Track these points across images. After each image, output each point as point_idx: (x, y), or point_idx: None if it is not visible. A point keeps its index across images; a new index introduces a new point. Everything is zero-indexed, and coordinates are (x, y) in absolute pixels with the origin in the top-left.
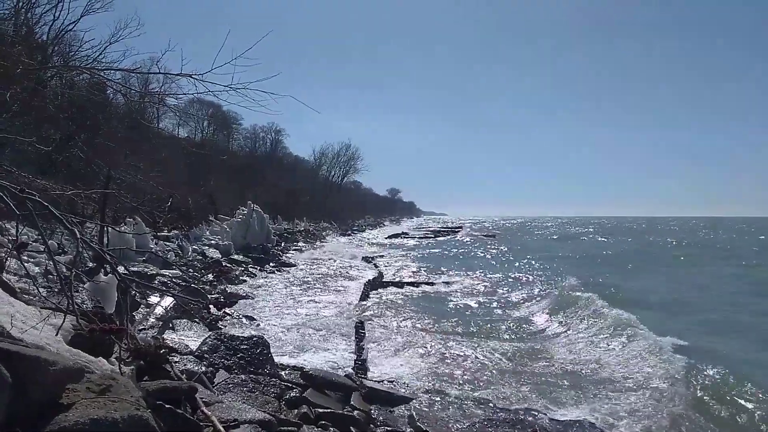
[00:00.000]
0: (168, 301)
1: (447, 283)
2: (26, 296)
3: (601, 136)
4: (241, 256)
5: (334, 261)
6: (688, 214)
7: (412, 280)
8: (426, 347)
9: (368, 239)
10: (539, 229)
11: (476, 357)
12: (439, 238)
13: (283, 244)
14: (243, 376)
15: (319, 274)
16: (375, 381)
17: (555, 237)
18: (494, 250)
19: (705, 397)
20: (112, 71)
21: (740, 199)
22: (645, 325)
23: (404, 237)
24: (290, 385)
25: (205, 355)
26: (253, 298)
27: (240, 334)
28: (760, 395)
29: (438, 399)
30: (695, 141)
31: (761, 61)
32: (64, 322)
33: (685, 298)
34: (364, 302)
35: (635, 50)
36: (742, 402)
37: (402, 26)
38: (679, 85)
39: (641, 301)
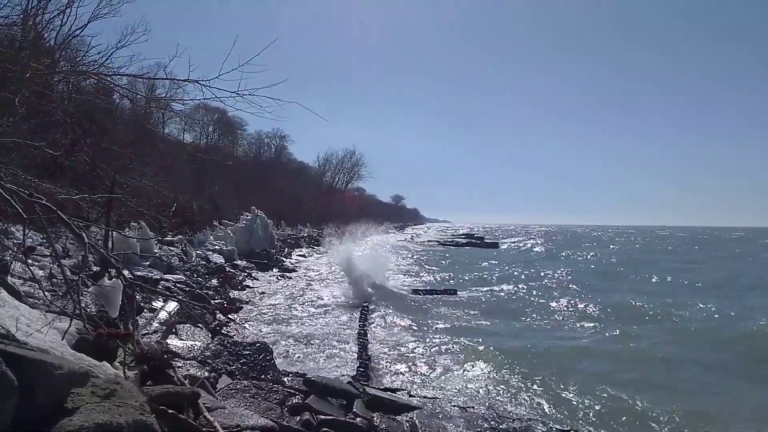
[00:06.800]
0: (172, 305)
1: (452, 291)
2: (31, 300)
3: (606, 144)
4: (245, 262)
5: (338, 267)
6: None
7: (415, 287)
8: (429, 355)
9: (372, 246)
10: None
11: (481, 365)
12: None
13: (286, 250)
14: (246, 382)
15: (322, 280)
16: (378, 388)
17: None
18: None
19: None
20: (118, 76)
21: None
22: None
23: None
24: (293, 391)
25: (208, 361)
26: (256, 304)
27: (243, 340)
28: None
29: (441, 407)
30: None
31: None
32: (70, 326)
33: None
34: (368, 309)
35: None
36: None
37: (406, 32)
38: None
39: None
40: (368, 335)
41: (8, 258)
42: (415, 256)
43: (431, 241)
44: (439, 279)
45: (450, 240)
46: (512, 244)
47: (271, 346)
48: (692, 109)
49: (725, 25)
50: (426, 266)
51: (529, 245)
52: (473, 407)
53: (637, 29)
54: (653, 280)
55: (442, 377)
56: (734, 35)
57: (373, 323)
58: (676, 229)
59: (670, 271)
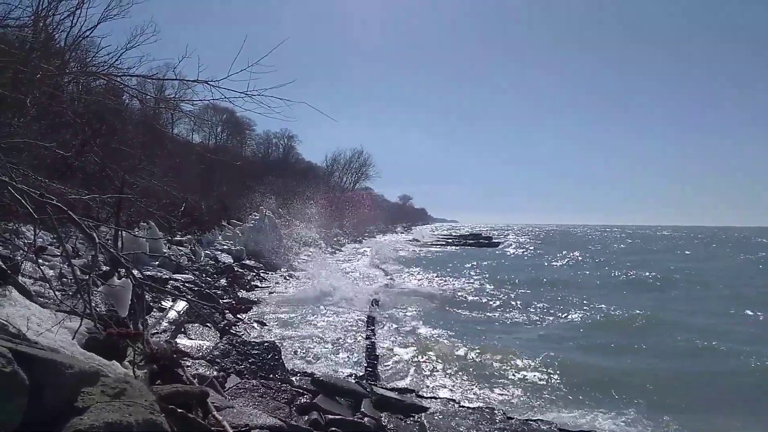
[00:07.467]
0: (181, 305)
1: (459, 290)
2: (41, 299)
3: (609, 143)
4: (253, 262)
5: (346, 267)
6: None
7: (422, 286)
8: (437, 355)
9: (380, 246)
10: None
11: (490, 365)
12: None
13: (294, 250)
14: (254, 381)
15: (330, 280)
16: (386, 388)
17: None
18: None
19: None
20: (128, 77)
21: None
22: None
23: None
24: (301, 390)
25: (217, 360)
26: (264, 304)
27: (251, 340)
28: None
29: (450, 408)
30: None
31: None
32: (80, 325)
33: None
34: (376, 309)
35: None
36: None
37: (409, 30)
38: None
39: None
40: (376, 335)
41: (19, 258)
42: (422, 256)
43: (439, 241)
44: (446, 278)
45: (458, 239)
46: (518, 244)
47: (279, 346)
48: (696, 107)
49: (728, 23)
50: (433, 265)
51: (534, 245)
52: (481, 408)
53: (639, 27)
54: (657, 280)
55: (451, 377)
56: (737, 33)
57: (381, 323)
58: (681, 229)
59: (673, 271)
